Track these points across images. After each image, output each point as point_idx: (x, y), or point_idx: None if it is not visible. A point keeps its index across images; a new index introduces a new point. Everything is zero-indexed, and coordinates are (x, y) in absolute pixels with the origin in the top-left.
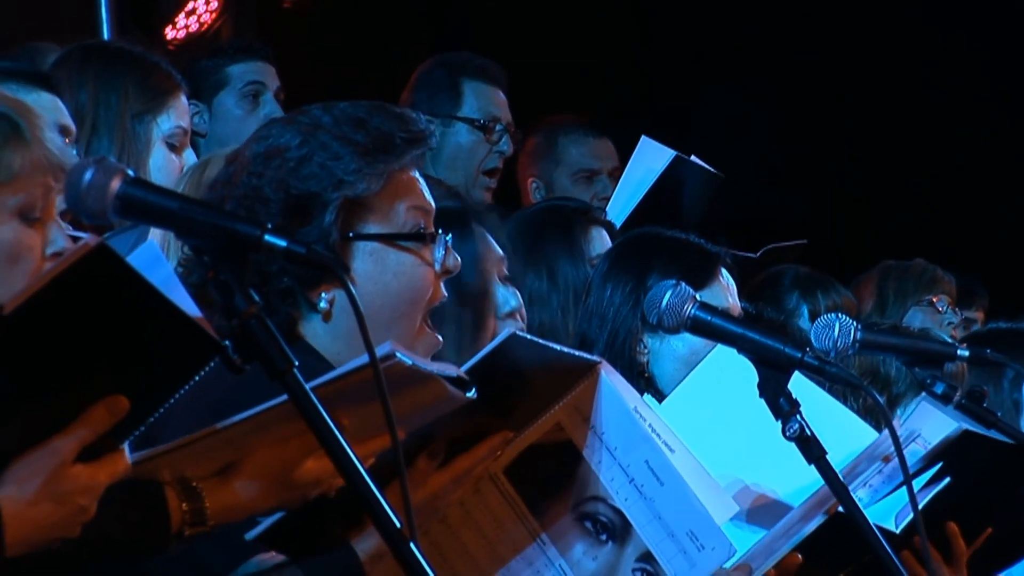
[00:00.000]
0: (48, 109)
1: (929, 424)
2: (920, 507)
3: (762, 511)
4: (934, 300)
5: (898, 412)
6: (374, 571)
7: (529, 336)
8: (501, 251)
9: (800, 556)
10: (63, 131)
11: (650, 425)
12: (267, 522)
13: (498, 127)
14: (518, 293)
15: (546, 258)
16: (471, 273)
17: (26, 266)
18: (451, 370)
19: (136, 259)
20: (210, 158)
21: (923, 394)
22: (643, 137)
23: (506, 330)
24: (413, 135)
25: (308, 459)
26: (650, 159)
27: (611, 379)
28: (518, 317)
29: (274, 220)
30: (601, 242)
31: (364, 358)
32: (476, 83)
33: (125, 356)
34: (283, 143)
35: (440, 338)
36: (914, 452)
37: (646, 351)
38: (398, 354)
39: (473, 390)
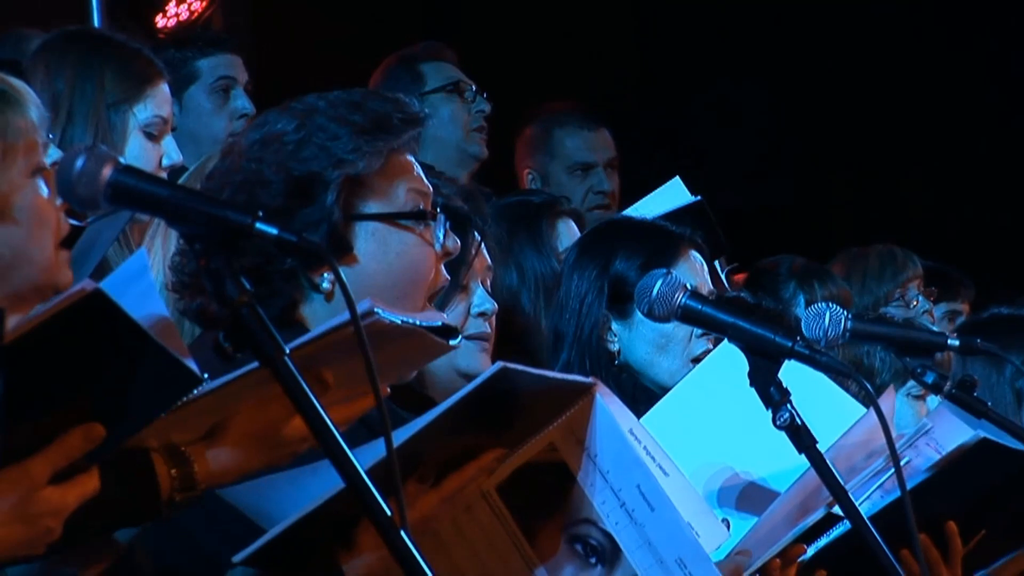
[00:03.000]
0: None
1: (944, 428)
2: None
3: (760, 502)
4: (903, 294)
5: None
6: None
7: (520, 367)
8: (491, 262)
9: (805, 547)
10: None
11: (645, 448)
12: (256, 544)
13: (467, 88)
14: (495, 304)
15: (513, 254)
16: (456, 262)
17: (50, 220)
18: (436, 319)
19: (123, 271)
20: (210, 156)
21: (943, 398)
22: (676, 178)
23: (497, 364)
24: (408, 116)
25: (294, 417)
26: (672, 199)
27: (606, 401)
28: (489, 322)
29: (276, 202)
30: (569, 234)
31: (345, 315)
32: (432, 63)
33: (106, 387)
34: (279, 128)
35: (444, 317)
36: (927, 456)
37: (616, 339)
38: (378, 311)
39: (459, 338)
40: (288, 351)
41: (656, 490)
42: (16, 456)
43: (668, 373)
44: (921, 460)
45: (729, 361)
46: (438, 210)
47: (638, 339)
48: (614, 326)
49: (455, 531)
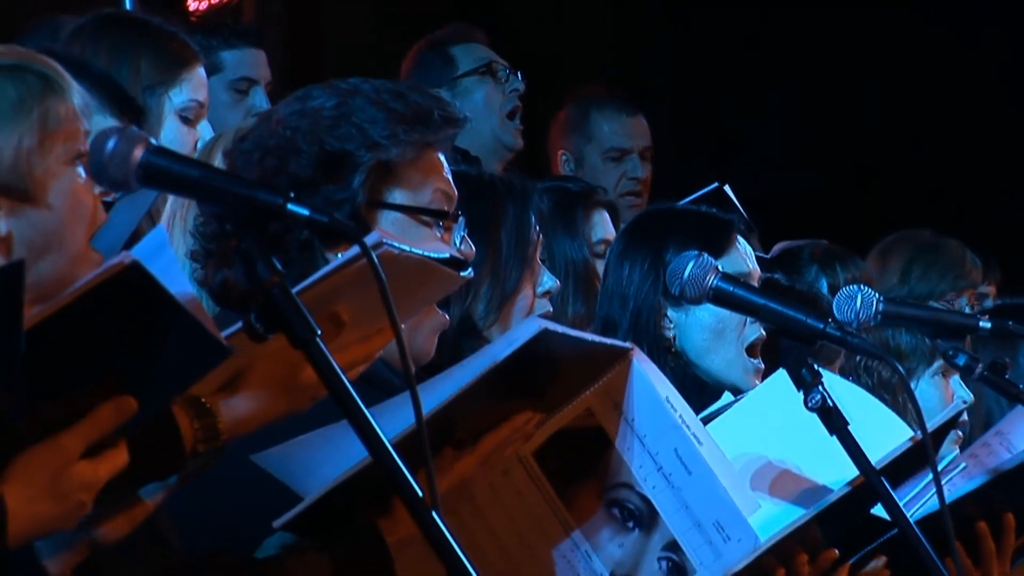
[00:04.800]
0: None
1: (1019, 430)
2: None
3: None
4: (953, 299)
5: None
6: (402, 556)
7: (561, 329)
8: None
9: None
10: None
11: (680, 416)
12: (295, 509)
13: (500, 68)
14: (556, 281)
15: (546, 239)
16: (525, 242)
17: (85, 210)
18: (443, 251)
19: (143, 246)
20: (219, 137)
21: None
22: (727, 187)
23: (536, 324)
24: (449, 115)
25: None
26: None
27: (643, 367)
28: (549, 300)
29: (304, 172)
30: (603, 225)
31: (355, 249)
32: (462, 45)
33: (137, 359)
34: (320, 103)
35: (447, 317)
36: (999, 455)
37: (672, 326)
38: (385, 241)
39: (470, 269)
40: (296, 292)
41: (693, 454)
42: (48, 432)
43: (724, 362)
44: (992, 459)
45: (776, 396)
46: (459, 213)
47: (695, 325)
48: (670, 312)
49: (492, 496)
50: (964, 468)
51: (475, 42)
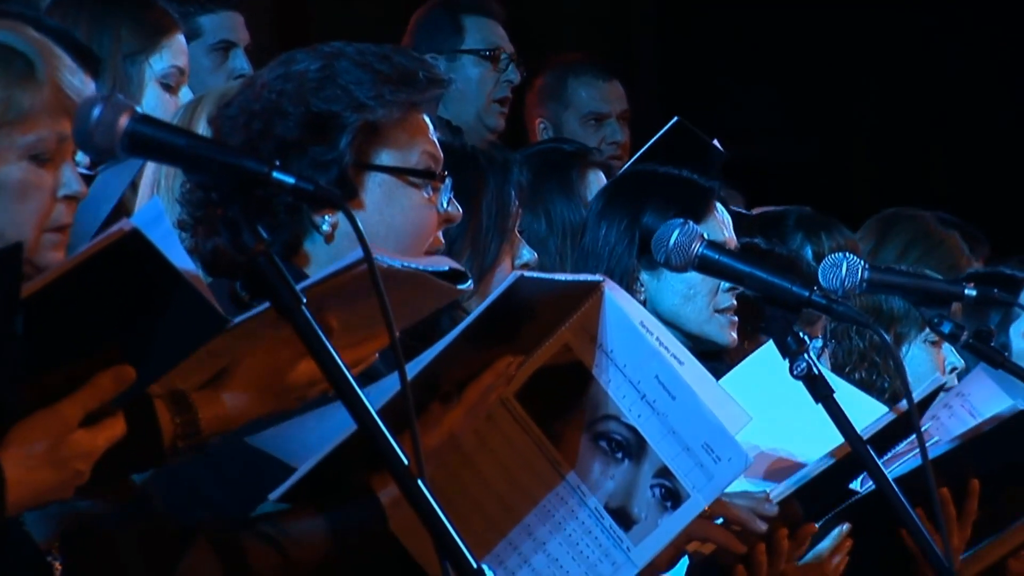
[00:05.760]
0: None
1: (981, 392)
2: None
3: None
4: None
5: (902, 351)
6: (396, 515)
7: (535, 275)
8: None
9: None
10: None
11: (657, 339)
12: (290, 480)
13: (503, 56)
14: (534, 253)
15: (543, 201)
16: (505, 215)
17: (34, 205)
18: (443, 264)
19: (140, 216)
20: (202, 97)
21: (981, 362)
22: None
23: (513, 273)
24: (434, 76)
25: (301, 362)
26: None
27: (615, 296)
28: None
29: (291, 134)
30: (598, 185)
31: (348, 258)
32: (476, 17)
33: (136, 328)
34: (304, 66)
35: (452, 262)
36: (961, 419)
37: (643, 289)
38: (377, 256)
39: (469, 281)
40: (305, 301)
41: (675, 378)
42: (46, 400)
43: (696, 324)
44: (955, 422)
45: (764, 370)
46: (446, 174)
47: (666, 289)
48: (643, 276)
49: (478, 442)
50: (936, 440)
51: (490, 17)
